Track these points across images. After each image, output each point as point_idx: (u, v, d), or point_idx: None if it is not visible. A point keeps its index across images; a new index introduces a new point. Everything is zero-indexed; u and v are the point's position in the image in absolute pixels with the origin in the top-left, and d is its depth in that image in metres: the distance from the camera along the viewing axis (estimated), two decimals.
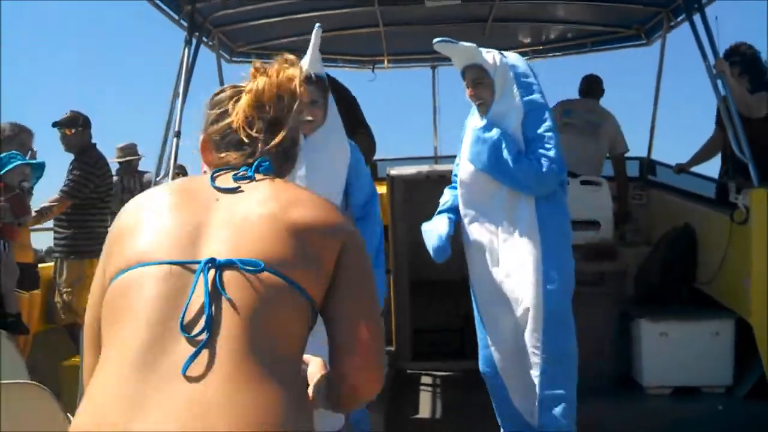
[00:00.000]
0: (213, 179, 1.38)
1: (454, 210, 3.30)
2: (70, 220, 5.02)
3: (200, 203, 1.33)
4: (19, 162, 4.52)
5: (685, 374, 4.18)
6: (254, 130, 1.43)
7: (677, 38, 5.38)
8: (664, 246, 4.70)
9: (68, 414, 2.11)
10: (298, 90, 1.44)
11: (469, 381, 3.37)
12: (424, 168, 5.52)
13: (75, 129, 5.09)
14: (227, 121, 1.45)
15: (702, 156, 5.25)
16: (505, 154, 3.04)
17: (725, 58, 4.48)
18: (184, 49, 4.71)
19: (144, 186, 5.73)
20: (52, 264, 5.22)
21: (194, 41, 4.78)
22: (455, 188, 3.33)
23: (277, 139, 1.43)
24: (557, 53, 6.59)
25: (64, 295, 4.94)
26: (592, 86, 5.68)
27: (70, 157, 5.13)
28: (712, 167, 5.25)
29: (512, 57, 3.23)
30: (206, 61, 5.47)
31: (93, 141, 5.21)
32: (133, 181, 6.22)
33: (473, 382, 3.30)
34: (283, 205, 1.31)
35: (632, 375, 4.37)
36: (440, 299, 5.45)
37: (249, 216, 1.29)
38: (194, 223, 1.29)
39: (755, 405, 3.95)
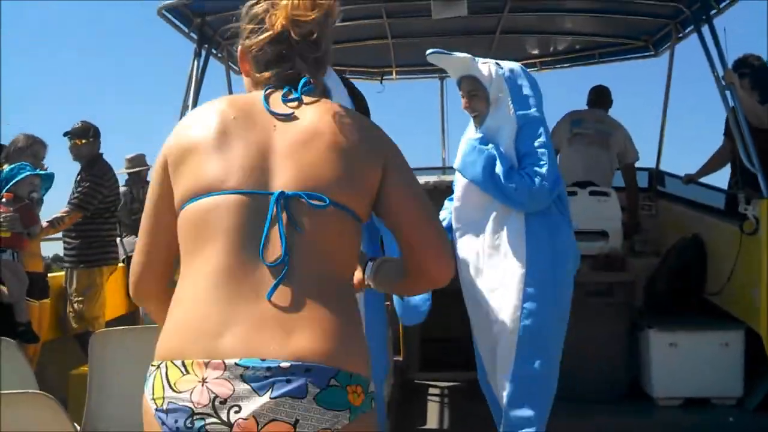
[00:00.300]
0: (266, 100, 1.42)
1: (448, 230, 3.21)
2: (79, 230, 5.04)
3: (261, 128, 1.39)
4: (29, 173, 4.55)
5: (695, 385, 4.16)
6: (291, 44, 1.45)
7: (686, 49, 5.38)
8: (674, 256, 4.68)
9: (75, 424, 2.12)
10: (331, 3, 1.47)
11: (475, 391, 3.35)
12: (432, 179, 5.52)
13: (86, 139, 5.12)
14: (264, 36, 1.46)
15: (711, 166, 5.24)
16: (498, 168, 2.95)
17: (734, 70, 4.47)
18: (193, 62, 4.73)
19: None
20: (60, 272, 5.25)
21: (203, 53, 4.81)
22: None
23: (312, 49, 1.46)
24: (565, 65, 6.59)
25: (76, 305, 4.97)
26: (600, 97, 5.68)
27: (75, 164, 5.15)
28: (721, 178, 5.24)
29: (509, 68, 3.09)
30: (215, 72, 5.51)
31: (100, 151, 5.25)
32: (142, 191, 6.25)
33: (480, 392, 3.29)
34: (332, 131, 1.38)
35: (642, 385, 4.34)
36: (449, 309, 5.43)
37: (305, 144, 1.37)
38: (259, 150, 1.36)
39: (766, 417, 3.92)
